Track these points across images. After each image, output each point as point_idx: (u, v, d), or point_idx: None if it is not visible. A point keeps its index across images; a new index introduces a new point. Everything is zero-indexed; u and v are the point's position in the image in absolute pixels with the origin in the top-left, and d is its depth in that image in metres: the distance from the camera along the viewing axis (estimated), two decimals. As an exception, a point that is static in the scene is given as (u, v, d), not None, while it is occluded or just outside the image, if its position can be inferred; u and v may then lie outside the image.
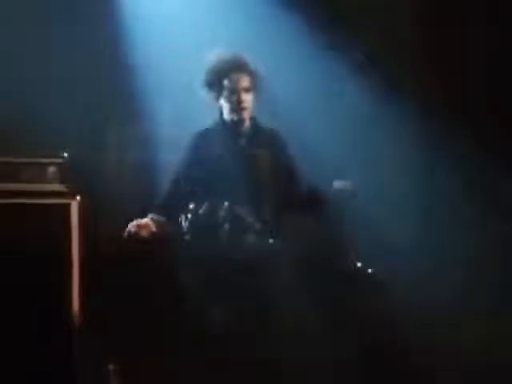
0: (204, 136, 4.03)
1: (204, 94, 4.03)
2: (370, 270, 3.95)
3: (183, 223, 3.88)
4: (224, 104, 3.99)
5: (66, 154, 3.99)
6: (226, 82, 3.94)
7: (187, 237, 3.88)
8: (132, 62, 4.88)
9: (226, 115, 4.01)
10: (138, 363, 4.29)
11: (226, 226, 3.85)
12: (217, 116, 4.07)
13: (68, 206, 3.93)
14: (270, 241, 3.89)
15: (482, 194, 4.94)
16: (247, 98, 3.96)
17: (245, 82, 3.95)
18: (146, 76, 4.85)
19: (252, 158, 3.97)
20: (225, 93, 3.96)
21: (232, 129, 4.01)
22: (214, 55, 4.00)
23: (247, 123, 4.01)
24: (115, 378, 4.16)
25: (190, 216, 3.85)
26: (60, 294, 3.91)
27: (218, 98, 4.00)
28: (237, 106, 3.96)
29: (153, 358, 4.37)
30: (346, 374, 4.16)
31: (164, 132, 4.92)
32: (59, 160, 3.99)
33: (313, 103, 4.90)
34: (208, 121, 4.14)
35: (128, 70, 4.87)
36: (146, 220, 3.91)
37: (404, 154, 4.99)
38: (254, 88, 3.98)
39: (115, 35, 4.86)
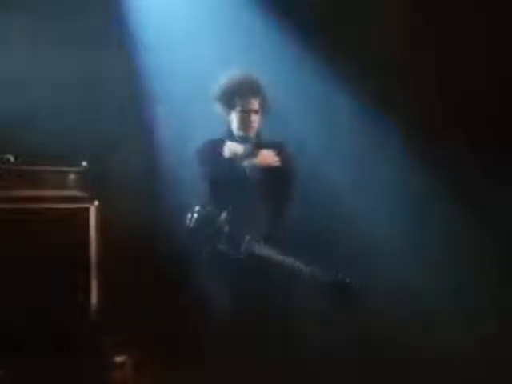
0: (213, 145, 4.15)
1: (216, 107, 4.19)
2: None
3: (189, 222, 4.01)
4: (233, 120, 4.16)
5: (84, 163, 4.18)
6: (238, 102, 4.11)
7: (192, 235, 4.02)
8: (137, 65, 4.93)
9: (234, 130, 4.17)
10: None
11: (227, 228, 3.99)
12: (224, 128, 4.21)
13: (87, 210, 4.11)
14: (267, 247, 4.00)
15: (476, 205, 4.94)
16: (255, 119, 4.14)
17: (255, 104, 4.12)
18: (151, 78, 4.92)
19: (255, 171, 4.11)
20: (236, 110, 4.13)
21: (239, 141, 4.14)
22: (230, 74, 4.16)
23: (253, 139, 4.16)
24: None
25: (195, 215, 3.99)
26: (79, 290, 4.09)
27: (228, 113, 4.17)
28: (245, 125, 4.14)
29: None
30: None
31: (168, 135, 4.99)
32: (78, 168, 4.17)
33: (310, 116, 4.98)
34: (212, 127, 4.28)
35: (132, 73, 4.93)
36: None
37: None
38: (262, 110, 4.16)
39: (122, 36, 4.93)
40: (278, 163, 4.13)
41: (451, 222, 4.93)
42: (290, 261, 3.96)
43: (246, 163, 4.10)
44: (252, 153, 4.12)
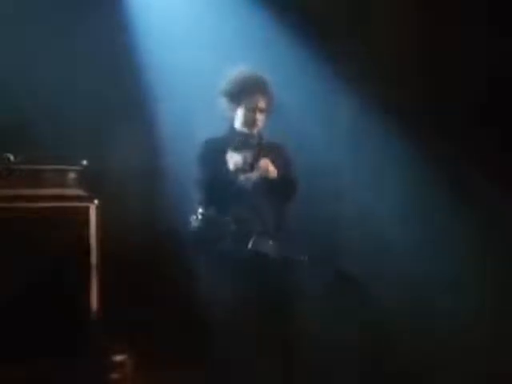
0: (214, 144, 4.18)
1: (221, 102, 4.20)
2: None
3: (193, 223, 4.02)
4: (239, 117, 4.18)
5: (84, 162, 4.16)
6: (245, 98, 4.13)
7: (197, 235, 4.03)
8: (137, 64, 4.91)
9: (238, 127, 4.19)
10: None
11: (233, 226, 4.01)
12: (226, 125, 4.24)
13: (87, 208, 4.10)
14: (271, 243, 4.04)
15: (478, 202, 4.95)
16: (261, 118, 4.15)
17: (262, 103, 4.14)
18: (152, 77, 4.91)
19: (253, 184, 4.12)
20: (242, 108, 4.15)
21: (241, 140, 4.17)
22: (239, 70, 4.18)
23: (255, 137, 4.17)
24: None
25: (200, 217, 3.99)
26: (79, 289, 4.08)
27: (233, 109, 4.19)
28: (249, 122, 4.15)
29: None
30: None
31: (168, 134, 4.98)
32: (78, 167, 4.16)
33: (311, 116, 4.97)
34: (213, 124, 4.30)
35: (133, 72, 4.91)
36: None
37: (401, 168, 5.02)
38: (267, 110, 4.18)
39: (122, 35, 4.93)
40: (275, 174, 4.12)
41: (452, 221, 4.94)
42: (295, 258, 4.00)
43: (242, 178, 4.09)
44: (251, 164, 4.12)
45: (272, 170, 4.12)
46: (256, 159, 4.12)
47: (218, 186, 4.08)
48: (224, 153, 4.13)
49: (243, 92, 4.14)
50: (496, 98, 5.01)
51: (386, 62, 5.06)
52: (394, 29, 5.07)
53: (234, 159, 4.11)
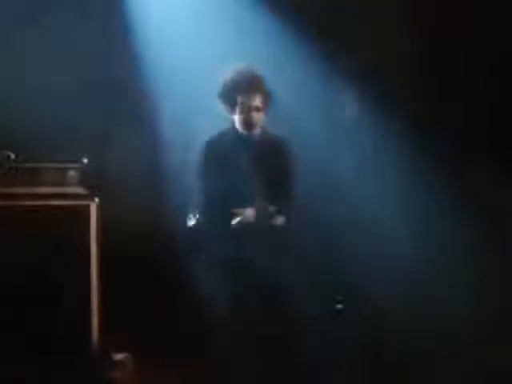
0: (216, 143, 4.18)
1: (220, 106, 4.18)
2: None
3: (190, 222, 4.07)
4: (236, 117, 4.14)
5: (84, 160, 4.20)
6: (239, 99, 4.09)
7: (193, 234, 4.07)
8: (137, 64, 4.93)
9: (238, 128, 4.15)
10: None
11: (228, 228, 4.02)
12: (227, 124, 4.21)
13: (87, 207, 4.12)
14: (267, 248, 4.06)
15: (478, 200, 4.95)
16: (257, 116, 4.11)
17: (257, 101, 4.09)
18: (152, 77, 4.92)
19: (258, 167, 4.13)
20: (238, 108, 4.11)
21: (242, 138, 4.16)
22: (232, 70, 4.15)
23: (256, 134, 4.16)
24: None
25: (197, 216, 4.04)
26: (79, 288, 4.10)
27: (230, 111, 4.15)
28: (247, 122, 4.12)
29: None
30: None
31: (169, 133, 4.98)
32: (78, 165, 4.18)
33: (313, 114, 4.98)
34: (214, 124, 4.29)
35: (134, 71, 4.93)
36: None
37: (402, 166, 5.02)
38: (264, 107, 4.13)
39: (122, 36, 4.94)
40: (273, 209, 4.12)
41: (452, 221, 4.93)
42: (286, 263, 4.04)
43: (235, 222, 4.08)
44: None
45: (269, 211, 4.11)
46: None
47: (215, 190, 4.10)
48: (224, 154, 4.14)
49: (236, 93, 4.11)
50: (496, 98, 5.02)
51: (387, 62, 5.06)
52: (393, 29, 5.06)
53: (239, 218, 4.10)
